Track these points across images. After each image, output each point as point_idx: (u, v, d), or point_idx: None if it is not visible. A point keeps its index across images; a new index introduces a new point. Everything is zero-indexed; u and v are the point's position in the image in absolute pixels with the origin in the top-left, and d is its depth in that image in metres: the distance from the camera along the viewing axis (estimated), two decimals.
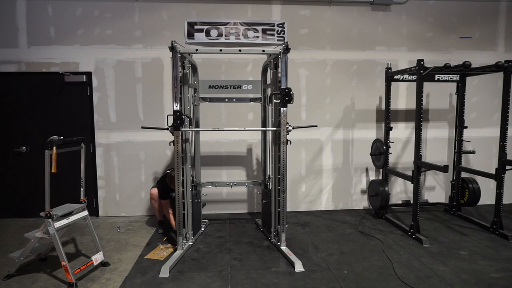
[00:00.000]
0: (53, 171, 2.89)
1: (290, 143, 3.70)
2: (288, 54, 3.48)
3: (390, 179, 5.10)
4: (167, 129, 3.65)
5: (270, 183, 4.09)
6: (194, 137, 4.08)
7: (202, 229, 4.27)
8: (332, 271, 3.23)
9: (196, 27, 3.47)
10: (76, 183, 4.83)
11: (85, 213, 3.24)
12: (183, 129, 3.51)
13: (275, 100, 3.70)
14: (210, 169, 4.92)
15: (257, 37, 3.54)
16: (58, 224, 2.97)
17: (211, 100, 4.25)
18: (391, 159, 4.93)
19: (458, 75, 4.63)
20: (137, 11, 4.71)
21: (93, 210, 4.89)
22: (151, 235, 4.19)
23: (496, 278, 3.09)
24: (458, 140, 4.81)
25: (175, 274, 3.19)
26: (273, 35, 3.54)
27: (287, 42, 3.48)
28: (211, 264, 3.39)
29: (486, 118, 5.27)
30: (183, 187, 3.64)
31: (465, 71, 4.19)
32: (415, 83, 4.01)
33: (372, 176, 5.21)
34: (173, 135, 3.53)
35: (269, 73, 4.04)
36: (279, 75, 3.54)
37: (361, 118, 5.11)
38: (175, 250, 3.62)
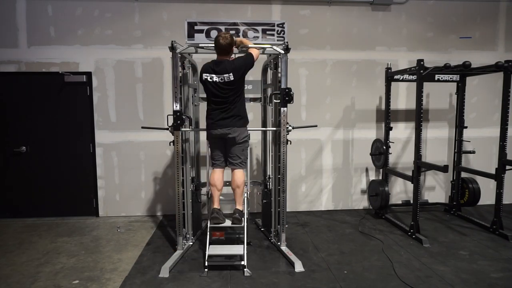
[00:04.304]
0: None
1: (290, 143, 3.70)
2: (288, 54, 3.48)
3: (390, 179, 5.10)
4: (167, 129, 3.66)
5: (270, 183, 4.09)
6: (194, 137, 4.08)
7: (202, 229, 4.27)
8: (332, 271, 3.23)
9: (196, 27, 3.46)
10: (75, 181, 4.85)
11: None
12: (183, 129, 3.52)
13: (275, 100, 3.70)
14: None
15: (257, 37, 3.53)
16: None
17: None
18: (391, 159, 4.93)
19: (458, 75, 4.64)
20: (137, 11, 4.70)
21: (93, 210, 4.89)
22: (151, 235, 4.19)
23: (496, 278, 3.09)
24: (458, 140, 4.81)
25: (175, 274, 3.19)
26: (273, 35, 3.53)
27: (287, 42, 3.48)
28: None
29: (486, 118, 5.27)
30: (183, 187, 3.64)
31: (465, 71, 4.19)
32: (415, 83, 4.01)
33: (372, 176, 5.21)
34: (173, 135, 3.53)
35: (269, 73, 4.05)
36: (279, 75, 3.54)
37: (361, 118, 5.11)
38: (175, 250, 3.62)
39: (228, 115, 3.35)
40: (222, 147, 3.51)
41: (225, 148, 3.51)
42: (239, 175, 3.46)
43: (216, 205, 3.46)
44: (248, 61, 3.32)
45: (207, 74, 3.33)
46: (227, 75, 3.27)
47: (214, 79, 3.30)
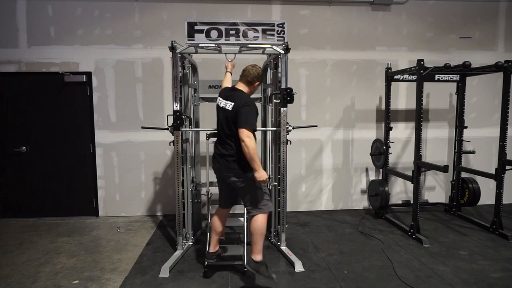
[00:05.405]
0: None
1: (290, 143, 3.70)
2: (288, 54, 3.48)
3: (390, 179, 5.10)
4: (167, 129, 3.66)
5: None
6: (194, 137, 4.08)
7: (202, 229, 4.27)
8: (332, 271, 3.23)
9: (196, 27, 3.46)
10: (75, 181, 4.85)
11: None
12: (183, 129, 3.52)
13: (275, 100, 3.70)
14: (210, 169, 4.92)
15: (257, 37, 3.52)
16: None
17: (211, 100, 4.24)
18: (391, 159, 4.93)
19: (458, 75, 4.64)
20: (137, 11, 4.70)
21: (93, 210, 4.89)
22: (151, 235, 4.19)
23: (496, 278, 3.09)
24: (458, 140, 4.81)
25: (175, 274, 3.19)
26: (273, 35, 3.53)
27: (287, 42, 3.48)
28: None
29: (486, 118, 5.27)
30: (183, 187, 3.64)
31: (465, 71, 4.19)
32: (415, 83, 4.01)
33: (372, 176, 5.21)
34: (173, 135, 3.53)
35: (269, 73, 4.04)
36: (279, 75, 3.54)
37: (361, 118, 5.11)
38: (175, 250, 3.62)
39: (224, 153, 2.93)
40: (224, 184, 3.10)
41: (231, 189, 3.07)
42: (257, 219, 2.90)
43: (214, 250, 3.14)
44: (242, 112, 2.80)
45: (220, 98, 3.04)
46: (230, 102, 2.92)
47: (221, 104, 3.00)
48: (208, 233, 3.24)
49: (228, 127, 2.92)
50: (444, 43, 5.12)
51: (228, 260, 3.38)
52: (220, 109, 3.02)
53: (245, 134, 2.76)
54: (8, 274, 3.21)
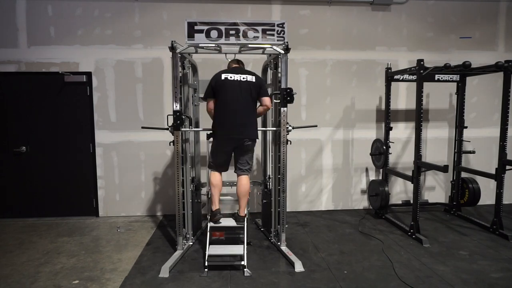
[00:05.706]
0: None
1: (290, 143, 3.70)
2: (288, 54, 3.48)
3: (390, 179, 5.10)
4: (167, 129, 3.66)
5: (270, 183, 4.09)
6: (194, 137, 4.08)
7: (202, 229, 4.27)
8: (332, 271, 3.23)
9: (196, 27, 3.45)
10: (75, 181, 4.85)
11: None
12: (183, 129, 3.52)
13: (275, 100, 3.70)
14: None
15: (257, 37, 3.52)
16: None
17: None
18: (391, 159, 4.93)
19: (458, 75, 4.64)
20: (137, 11, 4.70)
21: (93, 210, 4.89)
22: (151, 235, 4.19)
23: (496, 278, 3.09)
24: (458, 140, 4.81)
25: (175, 274, 3.19)
26: (273, 35, 3.53)
27: (287, 42, 3.48)
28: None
29: (486, 118, 5.27)
30: (183, 187, 3.64)
31: (465, 71, 4.19)
32: (415, 83, 4.01)
33: (372, 176, 5.21)
34: (173, 135, 3.53)
35: (269, 73, 4.05)
36: (279, 75, 3.54)
37: (361, 118, 5.11)
38: (175, 250, 3.62)
39: (247, 121, 3.41)
40: (230, 152, 3.52)
41: (232, 153, 3.53)
42: (246, 181, 3.52)
43: (218, 206, 3.53)
44: (264, 85, 3.53)
45: (227, 74, 3.42)
46: (250, 76, 3.44)
47: (236, 78, 3.40)
48: (210, 193, 3.58)
49: (251, 96, 3.41)
50: (444, 43, 5.12)
51: (228, 260, 3.39)
52: (239, 83, 3.38)
53: (269, 100, 3.52)
54: (8, 274, 3.21)
